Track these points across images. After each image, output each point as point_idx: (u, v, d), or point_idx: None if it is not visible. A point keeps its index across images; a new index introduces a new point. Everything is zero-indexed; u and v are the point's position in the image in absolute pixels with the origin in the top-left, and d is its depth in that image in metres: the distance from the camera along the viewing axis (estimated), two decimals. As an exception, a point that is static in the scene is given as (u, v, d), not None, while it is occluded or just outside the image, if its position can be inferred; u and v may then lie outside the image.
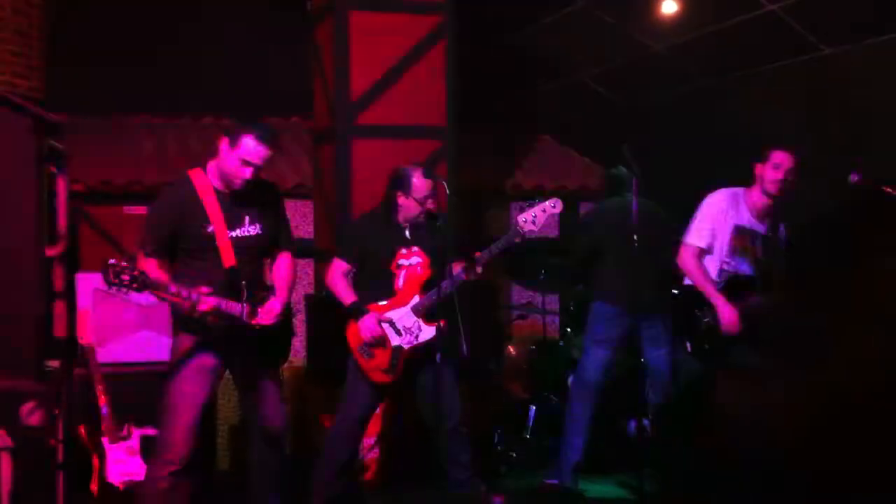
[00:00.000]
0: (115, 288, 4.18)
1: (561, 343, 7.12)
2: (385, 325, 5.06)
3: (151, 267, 4.38)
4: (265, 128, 4.41)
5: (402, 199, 5.10)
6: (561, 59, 8.47)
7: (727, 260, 5.18)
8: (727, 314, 5.03)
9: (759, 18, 6.54)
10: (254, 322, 4.44)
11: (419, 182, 5.07)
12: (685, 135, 7.25)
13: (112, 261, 4.15)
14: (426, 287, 5.09)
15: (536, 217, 4.93)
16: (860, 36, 6.18)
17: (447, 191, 5.06)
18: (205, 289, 4.31)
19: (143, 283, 4.19)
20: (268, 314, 4.49)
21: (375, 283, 5.13)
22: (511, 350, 7.37)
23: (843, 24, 6.22)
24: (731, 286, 5.12)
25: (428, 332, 5.06)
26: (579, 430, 5.73)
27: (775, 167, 5.12)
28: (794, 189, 5.15)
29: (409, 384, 5.19)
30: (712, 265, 5.20)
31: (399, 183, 5.10)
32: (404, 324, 5.06)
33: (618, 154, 5.42)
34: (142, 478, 5.11)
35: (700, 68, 7.42)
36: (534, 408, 6.66)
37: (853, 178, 4.96)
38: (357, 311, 5.06)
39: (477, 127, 7.40)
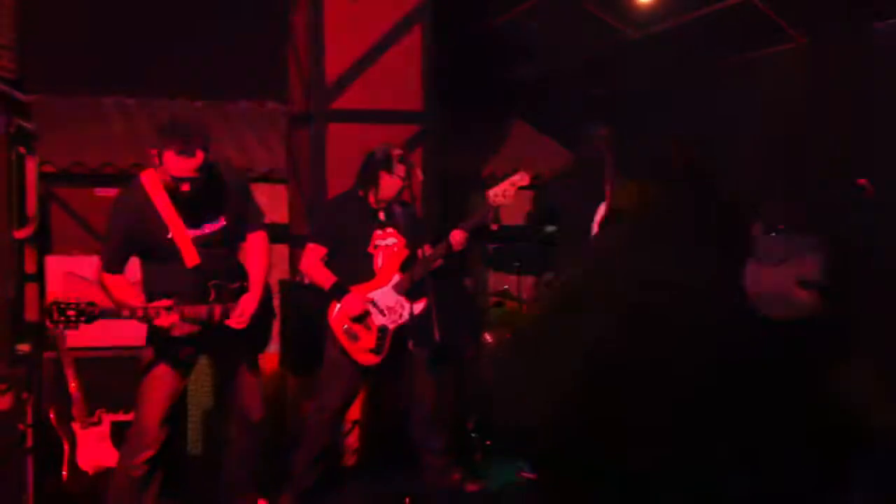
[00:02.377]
0: (61, 326, 4.09)
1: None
2: (368, 306, 5.03)
3: (115, 282, 4.29)
4: (183, 135, 4.11)
5: (385, 178, 5.07)
6: (538, 45, 8.45)
7: None
8: None
9: (736, 7, 6.55)
10: (227, 323, 4.37)
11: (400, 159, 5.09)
12: (662, 123, 7.25)
13: (55, 299, 4.08)
14: (405, 266, 5.08)
15: (506, 191, 5.02)
16: (835, 26, 6.20)
17: (420, 177, 5.04)
18: (165, 302, 4.20)
19: (91, 315, 4.10)
20: (241, 316, 4.39)
21: (354, 266, 5.10)
22: (488, 337, 7.35)
23: (819, 13, 6.24)
24: None
25: (411, 309, 5.04)
26: None
27: None
28: None
29: (387, 370, 5.17)
30: None
31: (382, 162, 5.08)
32: (387, 303, 5.05)
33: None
34: (112, 464, 5.05)
35: (677, 57, 7.42)
36: (508, 395, 6.64)
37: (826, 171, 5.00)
38: (339, 291, 5.02)
39: (453, 113, 7.36)
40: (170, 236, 4.25)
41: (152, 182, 4.26)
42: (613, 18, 7.47)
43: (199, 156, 4.11)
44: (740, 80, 6.95)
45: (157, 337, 4.37)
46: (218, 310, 4.34)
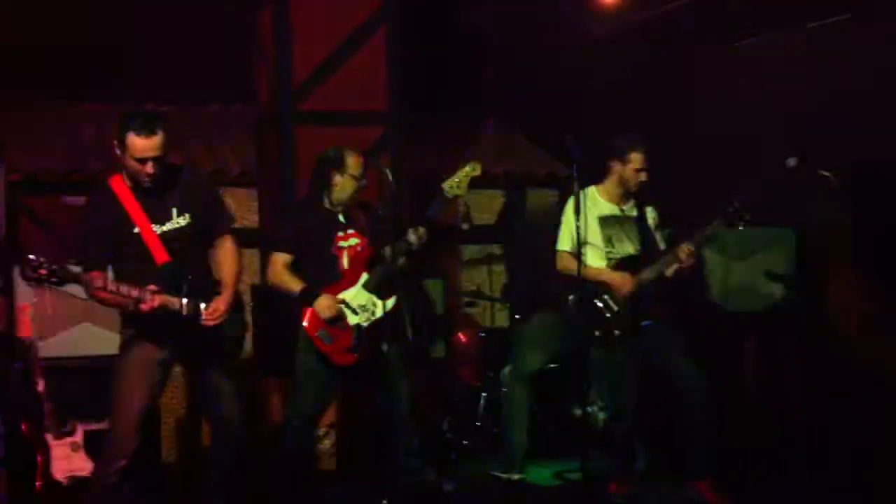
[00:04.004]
0: (33, 283, 4.17)
1: (510, 330, 7.13)
2: (341, 306, 5.04)
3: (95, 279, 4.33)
4: (142, 117, 4.34)
5: (337, 178, 5.09)
6: (506, 43, 8.46)
7: (608, 249, 5.29)
8: (616, 279, 5.19)
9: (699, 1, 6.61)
10: (201, 323, 4.41)
11: (353, 159, 5.10)
12: (631, 119, 7.29)
13: (30, 256, 4.13)
14: (371, 264, 5.10)
15: (460, 182, 5.11)
16: (800, 19, 6.25)
17: (389, 178, 5.03)
18: (153, 287, 4.30)
19: (62, 277, 4.16)
20: (212, 315, 4.45)
21: (320, 269, 5.12)
22: (461, 337, 7.37)
23: (782, 7, 6.29)
24: (621, 268, 5.26)
25: (383, 307, 5.05)
26: (522, 416, 5.77)
27: (637, 171, 5.24)
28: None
29: (361, 372, 5.17)
30: (598, 259, 5.28)
31: (333, 161, 5.11)
32: (359, 302, 5.06)
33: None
34: (87, 473, 5.04)
35: (644, 52, 7.45)
36: (484, 394, 6.67)
37: (791, 161, 5.04)
38: (310, 295, 5.03)
39: (422, 113, 7.37)
40: (136, 231, 4.37)
41: (119, 184, 4.43)
42: (580, 15, 7.50)
43: (159, 134, 4.29)
44: (705, 73, 7.00)
45: (134, 320, 4.41)
46: (188, 305, 4.39)
